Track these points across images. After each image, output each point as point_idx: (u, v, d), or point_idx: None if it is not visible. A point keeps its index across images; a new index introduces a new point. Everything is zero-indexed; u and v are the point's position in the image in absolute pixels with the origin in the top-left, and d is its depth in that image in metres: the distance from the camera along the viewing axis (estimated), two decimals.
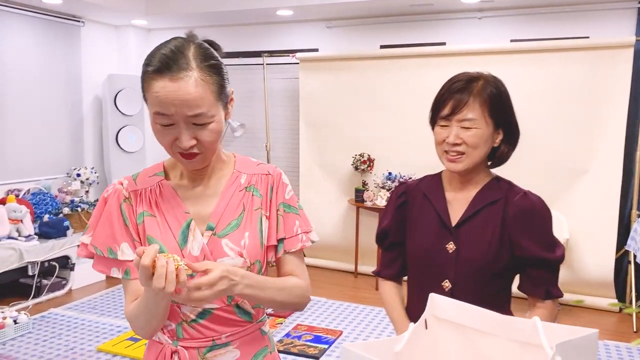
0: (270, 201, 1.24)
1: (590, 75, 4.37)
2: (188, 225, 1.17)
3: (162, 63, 1.05)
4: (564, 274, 4.36)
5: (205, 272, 1.04)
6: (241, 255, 1.17)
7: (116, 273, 1.17)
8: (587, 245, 4.40)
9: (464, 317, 0.90)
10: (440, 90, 1.39)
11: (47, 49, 5.19)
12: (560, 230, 4.17)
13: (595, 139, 4.41)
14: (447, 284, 1.38)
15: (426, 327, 0.88)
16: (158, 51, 1.09)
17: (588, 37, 4.53)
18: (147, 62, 1.08)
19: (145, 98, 1.10)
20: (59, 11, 5.20)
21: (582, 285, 4.44)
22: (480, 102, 1.32)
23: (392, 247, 1.52)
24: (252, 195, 1.23)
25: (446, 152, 1.37)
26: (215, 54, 1.14)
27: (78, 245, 1.22)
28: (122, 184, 1.21)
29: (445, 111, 1.35)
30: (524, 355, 0.84)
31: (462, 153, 1.34)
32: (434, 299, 0.93)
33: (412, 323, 0.85)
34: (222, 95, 1.11)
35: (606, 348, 3.73)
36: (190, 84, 1.05)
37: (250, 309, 1.23)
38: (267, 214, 1.23)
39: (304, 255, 1.31)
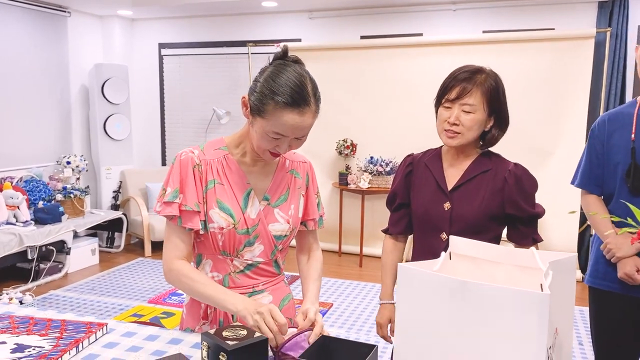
0: (307, 185, 1.57)
1: (555, 64, 4.76)
2: (248, 194, 1.43)
3: (294, 99, 1.26)
4: None
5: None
6: (288, 222, 1.48)
7: (198, 224, 1.39)
8: (553, 221, 4.80)
9: (476, 251, 1.19)
10: (448, 77, 1.67)
11: (35, 39, 5.28)
12: None
13: (560, 123, 4.81)
14: (444, 236, 1.69)
15: (450, 258, 1.17)
16: (285, 83, 1.27)
17: (554, 29, 4.90)
18: (276, 92, 1.26)
19: (262, 115, 1.29)
20: (46, 2, 5.29)
21: None
22: (481, 91, 1.61)
23: (399, 208, 1.82)
24: (294, 177, 1.54)
25: (446, 130, 1.66)
26: (316, 82, 1.35)
27: (159, 207, 1.40)
28: (193, 152, 1.41)
29: (452, 95, 1.63)
30: (523, 276, 1.14)
31: (458, 133, 1.63)
32: (453, 240, 1.22)
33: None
34: (317, 116, 1.36)
35: None
36: (310, 117, 1.30)
37: (281, 264, 1.54)
38: (304, 193, 1.56)
39: None
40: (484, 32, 5.13)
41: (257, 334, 1.21)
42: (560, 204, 4.74)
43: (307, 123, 1.30)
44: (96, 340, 1.37)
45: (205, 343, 1.20)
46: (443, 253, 1.12)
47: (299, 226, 1.57)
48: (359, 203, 5.33)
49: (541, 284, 0.96)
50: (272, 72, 1.31)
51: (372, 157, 5.25)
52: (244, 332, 1.21)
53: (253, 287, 1.46)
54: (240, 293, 1.44)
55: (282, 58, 1.35)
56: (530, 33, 4.86)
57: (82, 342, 1.32)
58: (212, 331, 1.21)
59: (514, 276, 1.15)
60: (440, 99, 1.67)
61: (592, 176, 2.04)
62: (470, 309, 0.95)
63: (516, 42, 4.88)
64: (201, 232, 1.40)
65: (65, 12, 5.56)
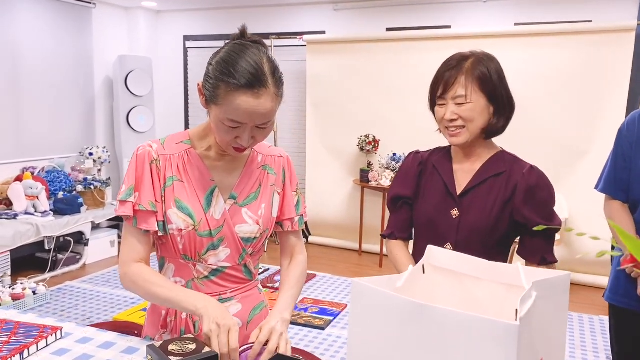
0: (284, 182, 1.41)
1: (592, 58, 4.46)
2: (212, 192, 1.30)
3: (247, 80, 1.13)
4: (563, 252, 4.50)
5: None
6: (257, 223, 1.33)
7: (154, 225, 1.27)
8: (586, 225, 4.52)
9: (456, 265, 1.03)
10: (436, 73, 1.51)
11: (60, 30, 5.30)
12: (560, 210, 4.30)
13: (596, 121, 4.52)
14: (448, 247, 1.50)
15: (424, 272, 1.02)
16: (238, 63, 1.14)
17: (591, 21, 4.60)
18: (229, 73, 1.14)
19: (215, 101, 1.17)
20: None
21: (581, 264, 4.59)
22: (469, 78, 1.43)
23: (405, 211, 1.63)
24: (267, 173, 1.39)
25: (447, 128, 1.49)
26: (277, 64, 1.21)
27: (117, 203, 1.29)
28: (151, 147, 1.29)
29: (439, 91, 1.47)
30: (508, 295, 0.98)
31: (462, 127, 1.46)
32: (431, 249, 1.06)
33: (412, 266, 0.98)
34: (281, 101, 1.23)
35: (601, 323, 3.87)
36: (269, 100, 1.16)
37: (252, 269, 1.40)
38: (279, 191, 1.40)
39: (310, 234, 1.50)
40: (515, 24, 4.86)
41: (206, 349, 1.09)
42: (594, 207, 4.45)
43: (265, 107, 1.16)
44: (47, 346, 1.28)
45: (149, 357, 1.09)
46: (411, 266, 0.97)
47: (276, 227, 1.43)
48: (381, 201, 5.16)
49: (516, 310, 0.80)
50: (225, 53, 1.18)
51: (394, 154, 5.07)
52: (192, 347, 1.09)
53: (220, 294, 1.33)
54: None
55: (240, 39, 1.21)
56: (566, 25, 4.57)
57: (29, 348, 1.22)
58: (157, 344, 1.10)
59: (498, 295, 0.99)
60: (433, 98, 1.51)
61: (617, 180, 1.83)
62: (429, 337, 0.80)
63: (550, 35, 4.60)
64: (160, 233, 1.28)
65: (90, 3, 5.56)
